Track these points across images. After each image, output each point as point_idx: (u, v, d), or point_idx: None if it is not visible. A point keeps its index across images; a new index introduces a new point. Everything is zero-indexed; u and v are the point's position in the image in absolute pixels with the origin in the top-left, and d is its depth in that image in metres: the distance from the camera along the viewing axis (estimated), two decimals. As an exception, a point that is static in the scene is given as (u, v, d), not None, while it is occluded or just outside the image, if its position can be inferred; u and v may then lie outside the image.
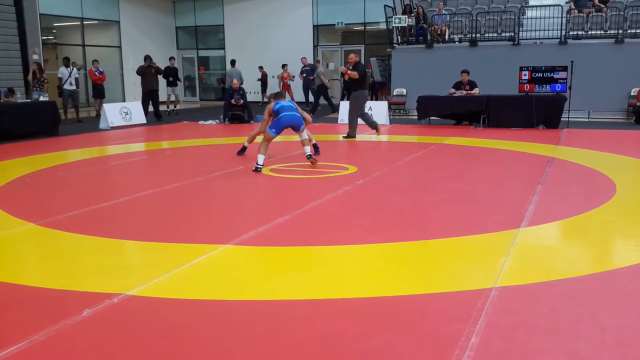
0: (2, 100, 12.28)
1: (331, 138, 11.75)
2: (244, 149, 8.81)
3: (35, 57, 17.01)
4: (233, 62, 18.75)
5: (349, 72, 11.17)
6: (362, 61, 22.51)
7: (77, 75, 15.86)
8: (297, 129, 7.82)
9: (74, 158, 9.37)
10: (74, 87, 15.59)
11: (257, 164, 7.45)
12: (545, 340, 2.90)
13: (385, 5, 18.04)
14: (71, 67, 15.71)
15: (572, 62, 12.55)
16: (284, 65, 19.55)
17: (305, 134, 7.88)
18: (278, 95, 8.19)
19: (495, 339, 2.89)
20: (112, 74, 21.33)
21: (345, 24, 22.42)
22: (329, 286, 3.66)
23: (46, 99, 13.33)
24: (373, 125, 11.57)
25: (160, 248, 4.48)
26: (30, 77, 14.51)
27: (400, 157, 9.04)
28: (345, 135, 11.49)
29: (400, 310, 3.28)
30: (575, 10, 16.08)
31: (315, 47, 23.00)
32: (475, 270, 3.93)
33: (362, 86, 11.41)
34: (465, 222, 5.15)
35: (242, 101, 14.70)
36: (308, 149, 7.81)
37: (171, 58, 18.29)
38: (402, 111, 17.06)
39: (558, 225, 5.05)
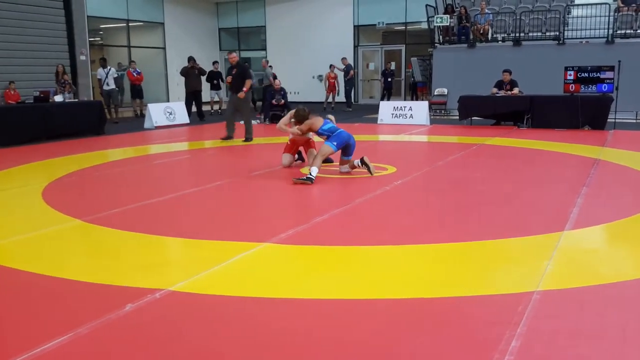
0: (51, 100, 12.66)
1: (371, 138, 11.72)
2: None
3: (83, 57, 17.44)
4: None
5: (243, 91, 10.65)
6: (403, 61, 22.46)
7: (115, 75, 16.01)
8: (349, 152, 7.31)
9: (119, 156, 9.60)
10: (111, 87, 15.80)
11: (310, 174, 6.77)
12: (589, 346, 2.83)
13: (426, 5, 17.91)
14: (108, 68, 15.96)
15: (619, 61, 12.21)
16: (331, 66, 19.62)
17: (355, 162, 7.33)
18: (313, 113, 7.62)
19: (536, 344, 2.83)
20: (156, 74, 21.74)
21: (386, 24, 22.32)
22: (368, 286, 3.65)
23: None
24: (231, 131, 11.22)
25: (201, 245, 4.55)
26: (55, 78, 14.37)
27: (440, 157, 8.96)
28: (247, 138, 10.95)
29: (439, 313, 3.25)
30: (625, 8, 15.63)
31: (355, 47, 22.97)
32: (516, 273, 3.86)
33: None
34: (507, 224, 5.07)
35: (283, 101, 14.79)
36: (356, 161, 7.30)
37: (215, 62, 18.56)
38: (443, 111, 16.90)
39: (603, 229, 4.92)
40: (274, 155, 8.45)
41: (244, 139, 11.04)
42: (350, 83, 19.56)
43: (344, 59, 19.58)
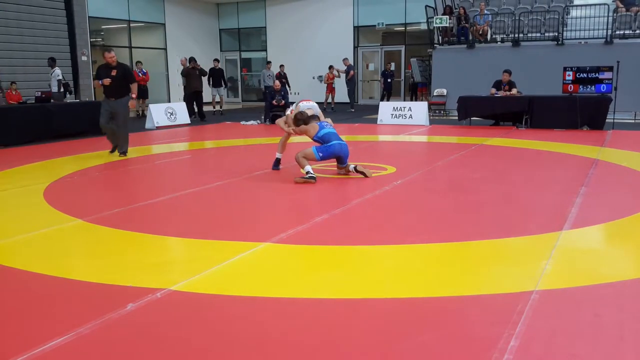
0: (52, 101, 12.68)
1: (371, 139, 11.74)
2: (278, 161, 8.01)
3: (84, 58, 17.50)
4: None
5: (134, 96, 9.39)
6: (402, 61, 22.49)
7: (59, 77, 14.32)
8: (343, 160, 7.33)
9: (121, 156, 9.60)
10: (54, 90, 14.02)
11: (308, 173, 6.88)
12: (587, 345, 2.85)
13: (426, 6, 17.95)
14: (54, 69, 14.47)
15: (617, 62, 12.24)
16: (330, 67, 19.66)
17: (351, 166, 7.31)
18: (314, 117, 7.47)
19: (535, 343, 2.85)
20: (157, 75, 21.80)
21: (386, 25, 22.36)
22: (367, 286, 3.67)
23: None
24: (116, 140, 9.55)
25: (202, 245, 4.57)
26: None
27: (440, 157, 8.98)
28: (123, 151, 9.50)
29: (438, 312, 3.27)
30: (623, 9, 15.67)
31: (355, 48, 23.01)
32: (515, 272, 3.88)
33: (128, 90, 9.42)
34: (506, 224, 5.09)
35: (283, 102, 14.83)
36: (351, 166, 7.30)
37: (216, 60, 18.61)
38: (442, 112, 16.93)
39: (602, 229, 4.95)
40: (274, 156, 8.45)
41: (118, 152, 9.55)
42: (351, 83, 19.58)
43: (345, 59, 19.61)
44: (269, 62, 19.54)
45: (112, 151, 9.67)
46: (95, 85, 9.46)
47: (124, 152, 9.53)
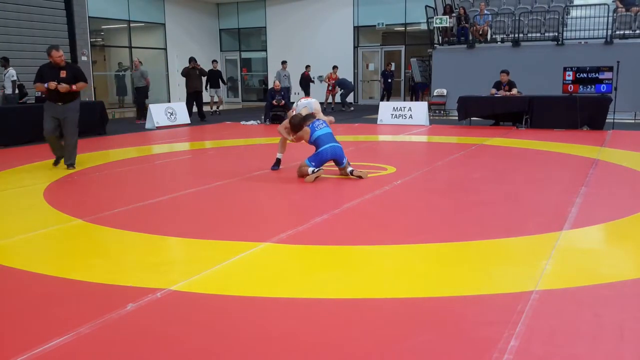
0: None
1: (371, 138, 11.74)
2: (278, 162, 7.99)
3: (84, 58, 17.50)
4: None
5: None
6: (402, 61, 22.48)
7: (13, 78, 13.20)
8: (340, 162, 7.26)
9: (121, 156, 9.61)
10: (8, 92, 13.12)
11: (313, 171, 7.02)
12: (587, 345, 2.85)
13: (426, 6, 17.95)
14: (8, 69, 13.35)
15: (618, 62, 12.25)
16: (334, 67, 19.65)
17: (349, 169, 7.21)
18: (308, 118, 7.35)
19: (535, 343, 2.85)
20: (157, 75, 21.80)
21: (386, 25, 22.37)
22: (367, 286, 3.67)
23: None
24: (59, 149, 8.37)
25: (202, 245, 4.57)
26: None
27: (440, 157, 8.98)
28: (70, 163, 8.24)
29: (438, 312, 3.27)
30: (623, 9, 15.67)
31: (355, 48, 23.01)
32: (515, 272, 3.88)
33: (77, 93, 8.36)
34: (506, 224, 5.09)
35: (283, 102, 14.84)
36: (349, 169, 7.20)
37: (214, 61, 18.61)
38: (442, 112, 16.94)
39: (602, 228, 4.95)
40: (274, 156, 8.47)
41: (65, 165, 8.30)
42: (347, 89, 19.64)
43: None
44: (284, 62, 18.92)
45: (56, 163, 8.47)
46: (38, 89, 8.31)
47: (71, 164, 8.25)
